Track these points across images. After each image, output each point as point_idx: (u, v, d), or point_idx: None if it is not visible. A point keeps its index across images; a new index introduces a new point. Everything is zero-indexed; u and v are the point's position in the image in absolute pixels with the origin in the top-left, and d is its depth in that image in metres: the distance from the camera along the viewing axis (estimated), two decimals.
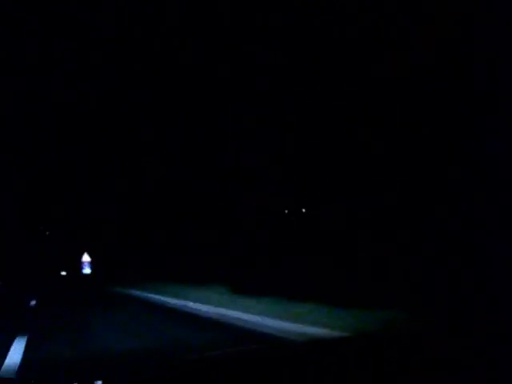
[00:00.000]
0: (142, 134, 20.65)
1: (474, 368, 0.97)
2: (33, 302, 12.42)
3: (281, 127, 12.16)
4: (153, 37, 15.94)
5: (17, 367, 4.02)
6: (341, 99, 9.94)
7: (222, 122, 14.98)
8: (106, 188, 26.58)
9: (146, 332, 6.34)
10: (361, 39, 9.05)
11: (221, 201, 15.86)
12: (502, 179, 6.38)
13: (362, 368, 1.18)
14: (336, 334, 4.33)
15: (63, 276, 33.06)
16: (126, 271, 22.59)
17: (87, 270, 27.17)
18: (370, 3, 9.01)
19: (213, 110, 15.06)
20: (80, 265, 27.42)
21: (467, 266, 5.88)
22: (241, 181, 14.51)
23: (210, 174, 16.22)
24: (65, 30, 17.91)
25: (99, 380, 1.28)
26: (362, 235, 8.88)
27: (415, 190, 8.10)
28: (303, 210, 11.98)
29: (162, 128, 18.61)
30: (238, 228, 14.59)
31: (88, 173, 27.52)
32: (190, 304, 8.96)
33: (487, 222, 6.45)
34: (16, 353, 4.88)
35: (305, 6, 10.60)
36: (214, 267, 13.56)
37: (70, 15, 17.12)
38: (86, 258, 27.31)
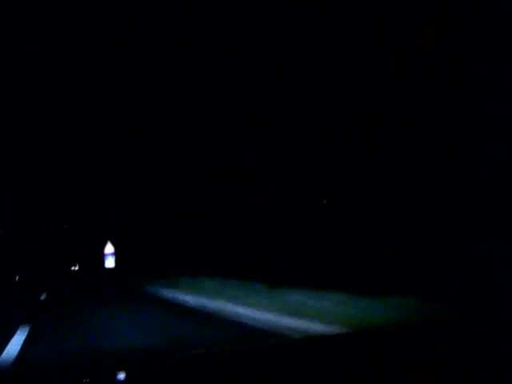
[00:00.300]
0: (142, 133, 20.66)
1: (474, 368, 0.97)
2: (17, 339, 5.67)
3: (281, 127, 12.17)
4: (153, 37, 15.94)
5: None
6: (341, 99, 9.94)
7: (221, 122, 14.98)
8: (106, 188, 26.59)
9: None
10: (361, 39, 9.05)
11: (221, 201, 15.86)
12: (502, 179, 6.38)
13: (359, 366, 1.18)
14: None
15: (74, 273, 30.41)
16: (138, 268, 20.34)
17: (111, 263, 21.57)
18: (370, 3, 9.01)
19: (213, 109, 15.06)
20: (100, 257, 22.20)
21: (467, 265, 5.88)
22: (241, 181, 14.51)
23: (209, 174, 16.22)
24: (65, 30, 17.92)
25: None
26: (362, 235, 8.88)
27: (415, 189, 8.11)
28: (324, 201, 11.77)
29: (162, 128, 18.62)
30: (237, 228, 14.59)
31: (88, 173, 27.54)
32: None
33: (487, 222, 6.45)
34: None
35: (305, 5, 10.60)
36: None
37: (70, 15, 17.12)
38: (109, 248, 21.69)
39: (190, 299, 8.92)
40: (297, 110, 11.61)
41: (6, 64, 18.57)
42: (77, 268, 32.17)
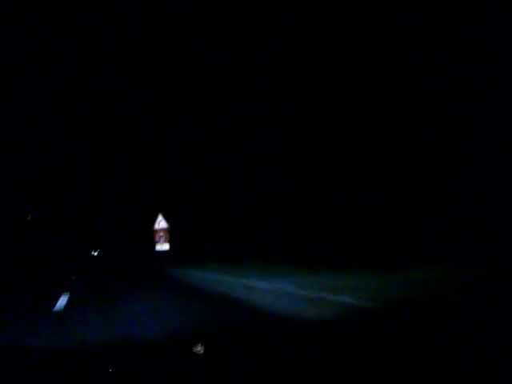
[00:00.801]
0: (142, 133, 20.67)
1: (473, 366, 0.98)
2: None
3: (281, 127, 12.17)
4: (153, 37, 15.95)
5: None
6: (341, 99, 9.94)
7: (221, 122, 14.99)
8: (106, 188, 26.58)
9: None
10: (361, 39, 9.05)
11: (221, 201, 15.86)
12: (502, 179, 6.38)
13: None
14: None
15: (94, 259, 26.89)
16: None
17: (164, 245, 14.62)
18: (370, 3, 9.01)
19: (213, 109, 15.07)
20: (151, 236, 15.26)
21: (467, 265, 5.88)
22: (241, 181, 14.51)
23: (210, 174, 16.22)
24: (65, 30, 17.92)
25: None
26: (362, 235, 8.88)
27: (415, 189, 8.11)
28: None
29: (162, 128, 18.63)
30: (238, 228, 14.59)
31: (88, 173, 27.57)
32: None
33: (487, 222, 6.45)
34: None
35: (305, 5, 10.60)
36: None
37: (70, 15, 17.12)
38: (162, 223, 14.82)
39: None
40: (297, 110, 11.61)
41: (6, 64, 18.57)
42: (96, 254, 30.16)
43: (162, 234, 14.73)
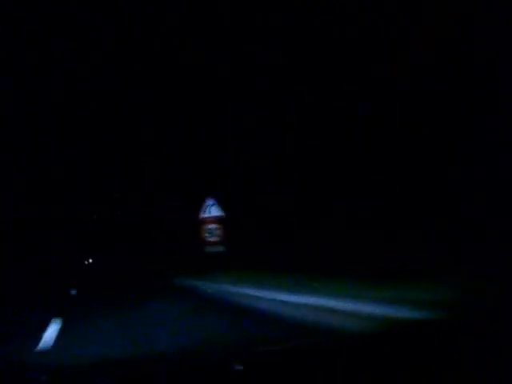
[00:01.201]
0: (142, 133, 20.67)
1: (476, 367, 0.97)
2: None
3: (281, 127, 12.17)
4: (153, 37, 15.94)
5: None
6: (341, 99, 9.94)
7: (221, 122, 14.99)
8: (106, 188, 26.57)
9: None
10: (361, 39, 9.06)
11: (221, 201, 15.85)
12: (502, 179, 6.39)
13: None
14: None
15: (86, 268, 25.98)
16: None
17: (216, 243, 10.50)
18: (370, 3, 9.01)
19: (213, 109, 15.07)
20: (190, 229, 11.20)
21: (467, 266, 5.88)
22: (241, 181, 14.51)
23: (210, 174, 16.22)
24: (65, 30, 17.91)
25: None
26: (362, 235, 8.88)
27: (415, 189, 8.11)
28: None
29: (162, 128, 18.63)
30: (238, 228, 14.59)
31: (88, 173, 27.58)
32: None
33: (487, 222, 6.45)
34: None
35: (305, 5, 10.61)
36: None
37: (70, 15, 17.12)
38: (213, 209, 10.74)
39: None
40: (297, 110, 11.61)
41: (6, 64, 18.56)
42: (91, 261, 29.27)
43: (213, 225, 9.99)
